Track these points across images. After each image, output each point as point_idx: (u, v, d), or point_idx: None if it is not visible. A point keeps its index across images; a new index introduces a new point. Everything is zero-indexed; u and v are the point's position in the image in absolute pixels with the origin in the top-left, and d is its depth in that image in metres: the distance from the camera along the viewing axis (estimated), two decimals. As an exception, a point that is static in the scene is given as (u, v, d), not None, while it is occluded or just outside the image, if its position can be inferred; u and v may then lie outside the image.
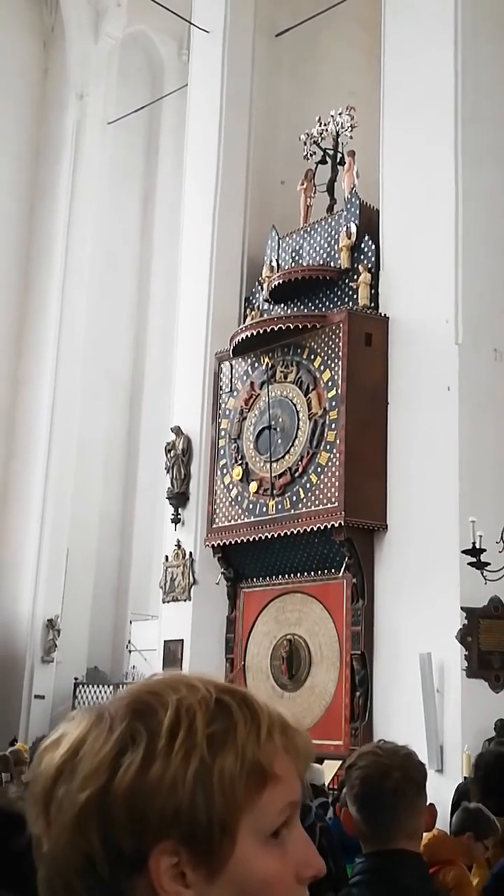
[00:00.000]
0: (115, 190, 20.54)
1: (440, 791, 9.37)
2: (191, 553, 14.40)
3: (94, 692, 17.58)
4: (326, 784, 8.92)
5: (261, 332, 13.32)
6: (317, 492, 12.48)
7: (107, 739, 0.88)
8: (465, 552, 9.49)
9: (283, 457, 13.07)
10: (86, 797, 0.86)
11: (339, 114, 14.50)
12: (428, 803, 2.21)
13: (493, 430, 11.59)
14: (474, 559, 9.32)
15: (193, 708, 0.88)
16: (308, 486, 12.62)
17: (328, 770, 9.89)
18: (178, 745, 0.86)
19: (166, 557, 14.82)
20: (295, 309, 13.88)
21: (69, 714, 0.95)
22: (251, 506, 13.42)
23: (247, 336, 13.50)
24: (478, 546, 9.30)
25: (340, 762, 9.04)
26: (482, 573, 9.42)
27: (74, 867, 0.86)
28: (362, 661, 11.88)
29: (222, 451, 14.14)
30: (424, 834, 4.51)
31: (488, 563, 9.35)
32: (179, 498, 14.73)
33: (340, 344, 12.64)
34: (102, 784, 0.86)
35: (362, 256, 13.27)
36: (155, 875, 0.85)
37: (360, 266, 13.13)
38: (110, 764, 0.86)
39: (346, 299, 13.25)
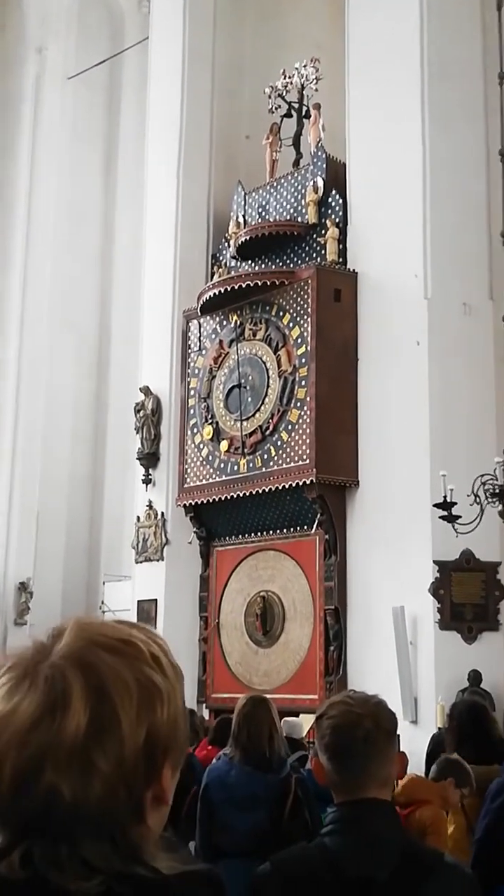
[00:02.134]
0: (77, 145, 20.15)
1: (415, 741, 9.50)
2: (162, 513, 14.38)
3: (69, 654, 17.54)
4: (304, 737, 8.98)
5: (228, 289, 13.20)
6: (288, 449, 12.47)
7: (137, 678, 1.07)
8: (436, 506, 9.52)
9: (253, 415, 13.03)
10: (152, 720, 1.06)
11: (304, 66, 14.28)
12: (398, 751, 2.20)
13: (464, 384, 11.58)
14: (445, 513, 9.35)
15: (160, 649, 1.12)
16: (279, 443, 12.60)
17: (306, 724, 9.96)
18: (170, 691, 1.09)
19: (138, 518, 14.78)
20: (262, 265, 13.76)
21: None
22: (222, 465, 13.40)
23: (214, 294, 13.38)
24: (449, 500, 9.32)
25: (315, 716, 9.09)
26: (453, 526, 9.45)
27: (120, 773, 1.03)
28: (336, 615, 11.95)
29: (192, 411, 14.06)
30: (401, 779, 4.58)
31: (459, 517, 9.38)
32: (150, 458, 14.68)
33: (309, 300, 12.56)
34: (151, 710, 1.06)
35: (329, 211, 13.15)
36: (166, 781, 1.07)
37: (327, 221, 13.01)
38: (151, 696, 1.07)
39: (315, 255, 13.14)
